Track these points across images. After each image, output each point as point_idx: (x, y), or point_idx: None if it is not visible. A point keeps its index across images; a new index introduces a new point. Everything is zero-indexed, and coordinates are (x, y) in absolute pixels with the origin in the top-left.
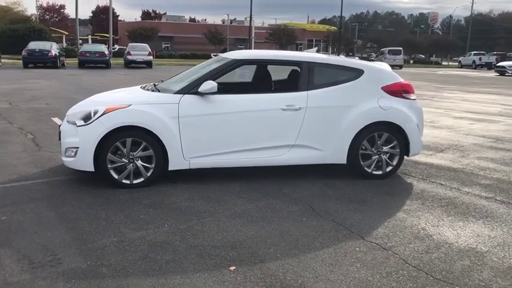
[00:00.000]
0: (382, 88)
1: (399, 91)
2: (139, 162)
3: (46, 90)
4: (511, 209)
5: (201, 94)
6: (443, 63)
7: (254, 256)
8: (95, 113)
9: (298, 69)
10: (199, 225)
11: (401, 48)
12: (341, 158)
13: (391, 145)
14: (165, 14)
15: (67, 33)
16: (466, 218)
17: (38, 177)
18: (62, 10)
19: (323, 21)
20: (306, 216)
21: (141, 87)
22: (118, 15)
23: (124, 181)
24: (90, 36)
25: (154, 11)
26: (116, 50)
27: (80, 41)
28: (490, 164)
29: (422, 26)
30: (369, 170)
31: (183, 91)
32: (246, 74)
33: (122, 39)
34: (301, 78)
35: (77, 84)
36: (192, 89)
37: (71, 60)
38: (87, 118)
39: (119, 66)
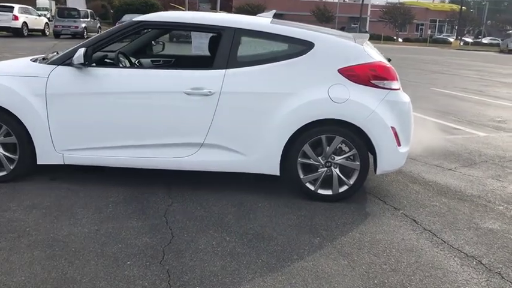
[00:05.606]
0: (339, 71)
1: (366, 76)
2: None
3: None
4: (480, 278)
5: (78, 66)
6: None
7: None
8: None
9: (219, 38)
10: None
11: None
12: (272, 166)
13: (347, 155)
14: None
15: (183, 9)
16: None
17: None
18: None
19: (456, 1)
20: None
21: (31, 58)
22: None
23: None
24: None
25: None
26: None
27: None
28: None
29: None
30: (312, 188)
31: (58, 61)
32: (203, 46)
33: None
34: (219, 50)
35: None
36: (68, 58)
37: None
38: None
39: None
